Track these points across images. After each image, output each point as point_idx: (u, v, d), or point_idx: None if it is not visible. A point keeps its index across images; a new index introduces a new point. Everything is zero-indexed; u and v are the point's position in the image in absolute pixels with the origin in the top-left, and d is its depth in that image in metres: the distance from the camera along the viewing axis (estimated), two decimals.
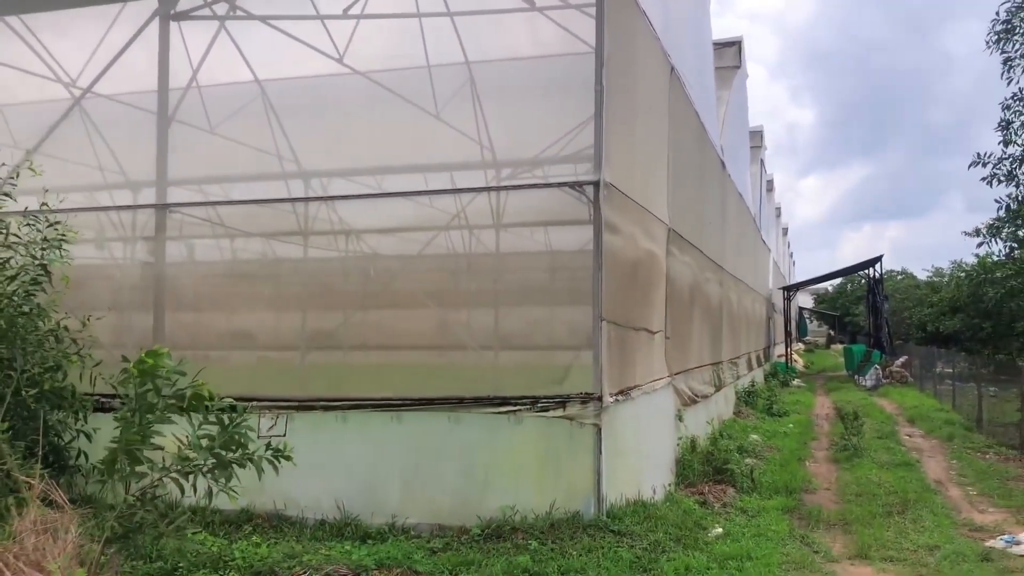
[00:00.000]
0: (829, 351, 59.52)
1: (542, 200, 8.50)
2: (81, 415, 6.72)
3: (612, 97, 6.88)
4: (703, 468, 9.05)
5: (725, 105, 16.38)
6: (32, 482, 5.60)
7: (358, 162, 10.98)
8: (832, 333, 74.86)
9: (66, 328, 6.39)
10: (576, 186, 6.77)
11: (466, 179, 11.63)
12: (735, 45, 18.94)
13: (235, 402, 5.15)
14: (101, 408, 7.24)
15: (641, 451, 7.79)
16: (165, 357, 5.04)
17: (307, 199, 9.09)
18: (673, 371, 9.45)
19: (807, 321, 67.70)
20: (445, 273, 8.25)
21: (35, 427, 6.37)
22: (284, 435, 6.95)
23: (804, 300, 71.68)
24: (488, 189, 8.17)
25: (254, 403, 6.29)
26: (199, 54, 9.05)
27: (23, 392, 5.93)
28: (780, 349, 34.29)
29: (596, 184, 6.61)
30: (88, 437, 6.81)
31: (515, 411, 6.69)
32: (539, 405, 6.63)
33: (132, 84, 9.12)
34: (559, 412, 6.60)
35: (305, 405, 7.15)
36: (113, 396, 7.32)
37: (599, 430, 6.54)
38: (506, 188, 8.14)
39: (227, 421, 5.01)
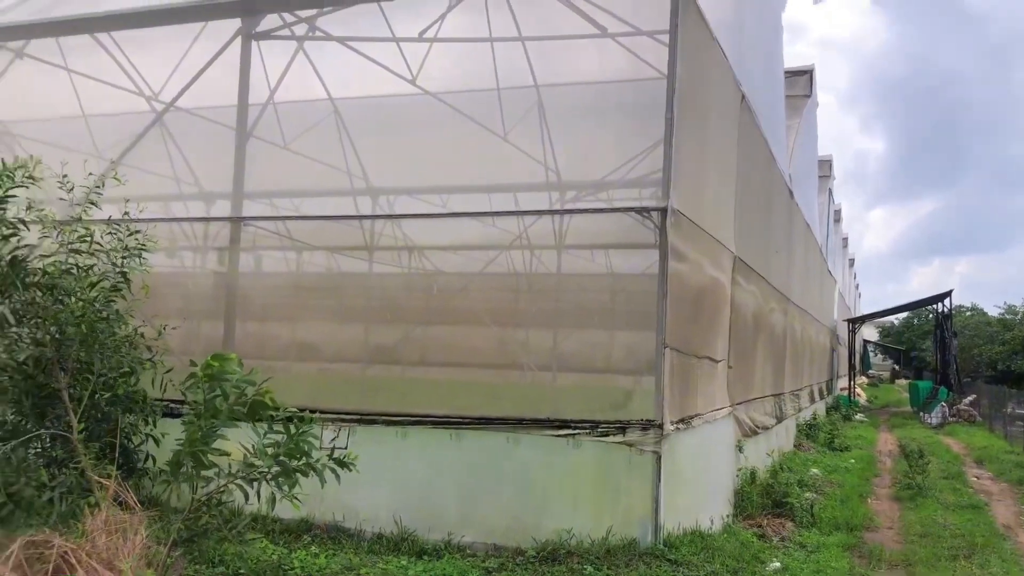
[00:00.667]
0: (893, 386, 57.98)
1: (606, 223, 8.54)
2: (151, 419, 6.89)
3: (682, 124, 6.87)
4: (762, 500, 8.90)
5: (795, 134, 16.19)
6: (105, 482, 5.79)
7: (425, 180, 11.14)
8: (897, 367, 73.04)
9: (141, 335, 6.59)
10: (643, 211, 6.76)
11: (530, 200, 11.73)
12: (807, 74, 18.74)
13: (300, 411, 5.27)
14: (169, 413, 7.43)
15: (700, 480, 7.70)
16: (233, 363, 5.17)
17: (375, 216, 9.26)
18: (735, 401, 9.33)
19: (871, 354, 66.17)
20: (507, 292, 8.31)
21: (108, 429, 6.58)
22: (346, 447, 7.01)
23: (869, 333, 70.09)
24: (555, 212, 8.22)
25: (317, 414, 6.38)
26: (275, 72, 9.31)
27: (98, 395, 6.13)
28: (843, 382, 33.56)
29: (663, 210, 6.60)
30: (156, 441, 6.97)
31: (574, 434, 6.69)
32: (599, 430, 6.61)
33: (209, 99, 9.41)
34: (619, 438, 6.58)
35: (366, 419, 7.24)
36: (181, 402, 7.52)
37: (659, 457, 6.49)
38: (572, 211, 8.18)
39: (292, 430, 5.11)
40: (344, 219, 9.05)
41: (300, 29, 8.88)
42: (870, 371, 61.10)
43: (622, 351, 7.38)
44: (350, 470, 5.13)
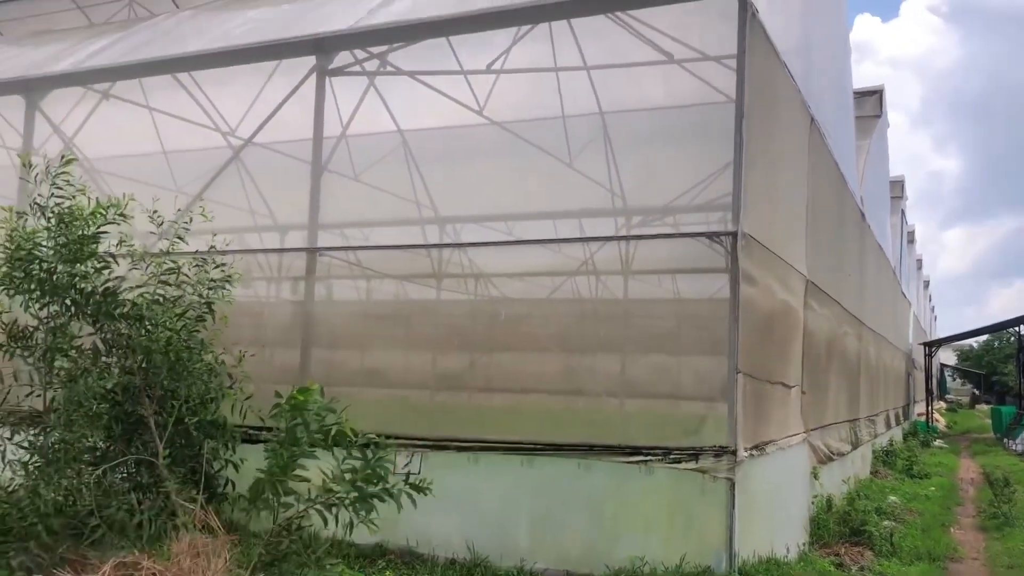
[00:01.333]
0: (974, 411, 56.01)
1: (674, 248, 8.53)
2: (231, 445, 7.10)
3: (751, 148, 6.86)
4: (839, 528, 8.71)
5: (865, 154, 15.93)
6: (190, 507, 5.99)
7: (491, 208, 11.31)
8: (976, 392, 70.60)
9: (223, 362, 6.82)
10: (713, 236, 6.75)
11: (596, 226, 11.80)
12: (876, 94, 18.46)
13: (376, 438, 5.38)
14: (248, 439, 7.64)
15: (774, 508, 7.59)
16: (315, 393, 5.33)
17: (443, 245, 9.42)
18: (809, 427, 9.18)
19: (948, 378, 64.06)
20: (574, 318, 8.33)
21: (191, 454, 6.81)
22: (419, 472, 7.14)
23: (946, 357, 67.95)
24: (623, 238, 8.25)
25: (390, 440, 6.49)
26: (345, 106, 9.55)
27: (185, 421, 6.35)
28: (920, 407, 32.59)
29: (734, 235, 6.58)
30: (236, 467, 7.18)
31: (646, 461, 6.66)
32: (671, 456, 6.58)
33: (283, 134, 9.69)
34: (691, 464, 6.53)
35: (438, 444, 7.33)
36: (260, 428, 7.74)
37: (732, 485, 6.42)
38: (640, 237, 8.22)
39: (369, 456, 5.22)
40: (413, 248, 9.21)
41: (371, 65, 9.11)
42: (948, 396, 59.15)
43: (694, 377, 7.33)
44: (425, 495, 5.22)
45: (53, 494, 5.85)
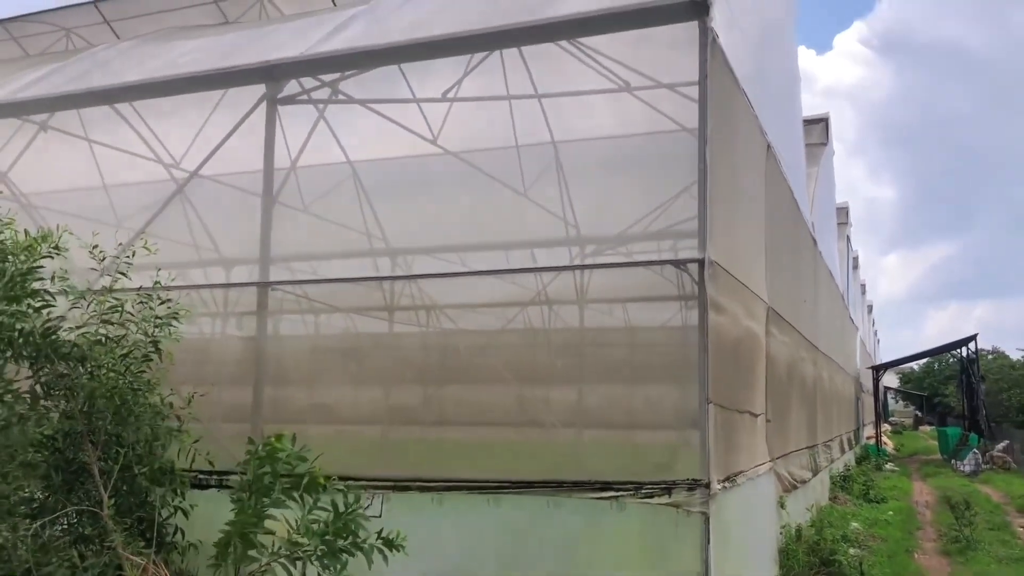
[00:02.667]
0: (918, 432, 57.13)
1: (628, 277, 8.44)
2: (180, 491, 6.72)
3: (713, 174, 6.76)
4: (808, 559, 8.59)
5: (814, 182, 16.13)
6: (139, 561, 5.60)
7: (444, 239, 11.10)
8: (919, 414, 72.08)
9: (170, 404, 6.46)
10: (679, 264, 6.62)
11: (550, 256, 11.67)
12: (822, 122, 18.77)
13: (345, 486, 5.10)
14: (198, 485, 7.26)
15: (746, 541, 7.43)
16: (287, 440, 5.03)
17: (397, 277, 9.22)
18: (774, 455, 9.08)
19: (891, 401, 65.27)
20: (535, 349, 8.14)
21: (137, 502, 6.41)
22: (380, 515, 6.82)
23: (888, 379, 69.29)
24: (588, 267, 8.10)
25: (350, 482, 6.18)
26: (293, 136, 9.27)
27: (133, 468, 5.97)
28: (867, 430, 32.98)
29: (701, 262, 6.44)
30: (185, 513, 6.80)
31: (617, 497, 6.44)
32: (643, 491, 6.37)
33: (229, 166, 9.38)
34: (664, 499, 6.32)
35: (400, 485, 7.02)
36: (210, 473, 7.37)
37: (707, 518, 6.23)
38: (607, 266, 8.07)
39: (340, 507, 4.93)
40: (366, 280, 8.98)
41: (322, 93, 8.88)
42: (892, 418, 60.19)
43: (664, 408, 7.16)
44: (397, 552, 4.92)
45: None
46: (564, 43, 8.57)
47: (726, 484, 6.71)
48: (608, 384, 7.53)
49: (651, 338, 7.52)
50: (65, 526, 6.04)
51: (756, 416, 8.26)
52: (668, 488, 6.33)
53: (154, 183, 11.72)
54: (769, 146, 9.42)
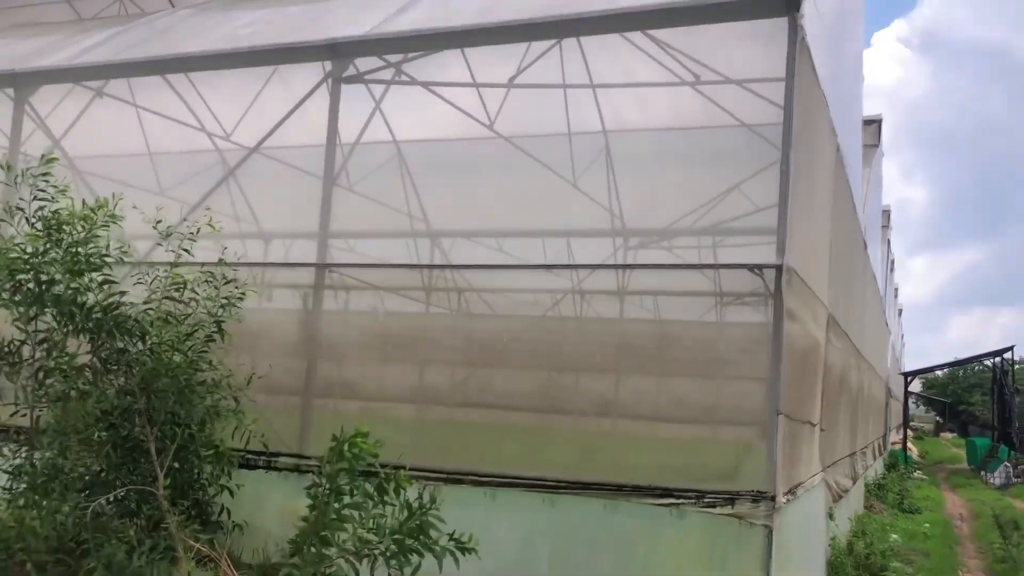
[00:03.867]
0: (939, 439, 56.57)
1: (674, 273, 8.27)
2: (227, 471, 6.64)
3: (792, 177, 6.54)
4: (857, 573, 8.41)
5: (866, 183, 15.82)
6: (193, 544, 5.51)
7: (487, 223, 10.97)
8: (940, 420, 71.35)
9: (228, 384, 6.36)
10: (755, 268, 6.41)
11: (594, 246, 11.51)
12: (875, 123, 18.40)
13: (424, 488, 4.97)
14: (245, 465, 7.17)
15: (802, 554, 7.26)
16: (365, 438, 4.89)
17: (466, 266, 9.09)
18: (825, 464, 8.88)
19: (912, 406, 64.59)
20: (601, 341, 7.94)
21: (187, 480, 6.33)
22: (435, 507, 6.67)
23: (912, 384, 68.51)
24: (661, 267, 7.90)
25: (403, 472, 6.05)
26: (346, 116, 9.09)
27: (188, 447, 5.88)
28: (891, 436, 32.65)
29: (778, 268, 6.23)
30: (231, 493, 6.73)
31: (678, 504, 6.28)
32: (705, 500, 6.21)
33: (275, 140, 9.24)
34: (727, 509, 6.16)
35: (453, 478, 6.89)
36: (259, 454, 7.28)
37: (770, 532, 6.05)
38: (678, 267, 7.86)
39: (415, 506, 4.79)
40: (431, 268, 8.83)
41: (385, 74, 8.71)
42: (911, 423, 59.64)
43: (731, 417, 6.97)
44: (469, 555, 4.77)
45: (43, 526, 5.35)
46: (625, 34, 8.36)
47: (789, 496, 6.53)
48: (677, 388, 7.34)
49: (724, 342, 7.32)
50: (116, 502, 5.97)
51: (815, 426, 8.07)
52: (731, 499, 6.16)
53: (197, 153, 11.66)
54: (838, 147, 9.17)
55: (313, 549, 4.66)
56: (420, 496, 4.76)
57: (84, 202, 5.99)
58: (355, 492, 4.68)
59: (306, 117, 8.68)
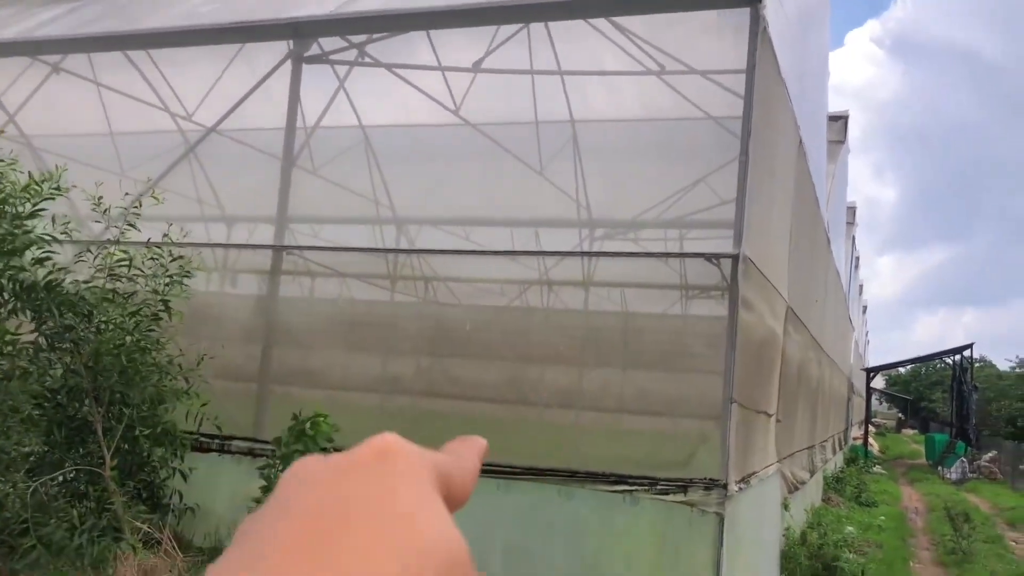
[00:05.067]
0: (900, 435, 57.36)
1: (635, 264, 8.30)
2: (180, 454, 6.55)
3: (752, 167, 6.55)
4: (810, 563, 8.48)
5: (831, 179, 15.94)
6: (139, 525, 5.42)
7: (454, 212, 10.91)
8: (902, 417, 72.36)
9: (179, 365, 6.25)
10: (712, 258, 6.42)
11: (558, 236, 11.48)
12: (842, 119, 18.54)
13: None
14: (198, 448, 7.07)
15: (755, 543, 7.30)
16: (326, 422, 4.83)
17: (435, 251, 9.01)
18: (781, 456, 8.94)
19: (875, 402, 65.42)
20: (559, 332, 7.94)
21: (137, 463, 6.23)
22: None
23: (875, 381, 69.38)
24: (626, 255, 7.89)
25: None
26: (306, 97, 9.00)
27: (136, 428, 5.78)
28: (853, 431, 33.04)
29: (735, 257, 6.24)
30: (184, 477, 6.63)
31: (631, 491, 6.29)
32: (658, 487, 6.22)
33: (237, 122, 9.12)
34: (679, 497, 6.17)
35: None
36: (212, 436, 7.18)
37: (722, 520, 6.08)
38: (638, 255, 7.86)
39: None
40: (394, 252, 8.75)
41: (348, 55, 8.61)
42: (874, 419, 60.44)
43: (685, 405, 6.99)
44: None
45: None
46: (595, 20, 8.33)
47: (741, 485, 6.56)
48: (635, 376, 7.35)
49: (688, 336, 7.33)
50: (62, 482, 5.86)
51: (770, 416, 8.11)
52: (684, 486, 6.18)
53: (159, 133, 11.43)
54: (800, 141, 9.21)
55: None
56: None
57: (30, 174, 5.84)
58: None
59: (271, 98, 8.56)
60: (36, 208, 5.65)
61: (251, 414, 7.76)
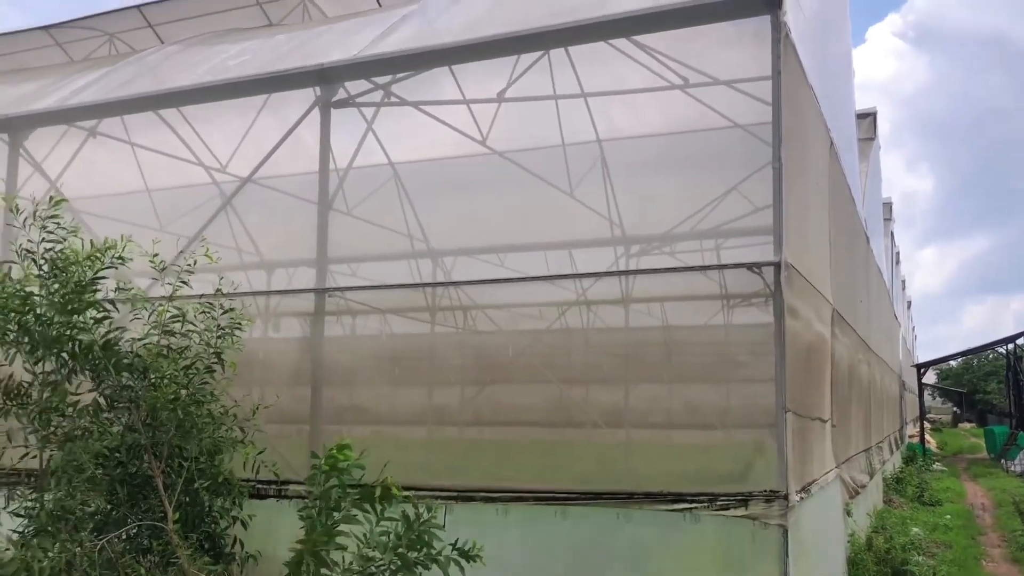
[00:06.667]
0: (958, 430, 56.12)
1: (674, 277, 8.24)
2: (238, 502, 6.61)
3: (786, 173, 6.52)
4: (878, 569, 8.32)
5: (865, 177, 15.79)
6: None
7: (488, 240, 10.97)
8: (957, 411, 70.89)
9: (233, 415, 6.34)
10: (753, 267, 6.38)
11: (593, 255, 11.47)
12: (870, 116, 18.39)
13: (417, 496, 4.95)
14: (256, 495, 7.15)
15: (820, 552, 7.19)
16: (350, 449, 4.88)
17: (470, 283, 9.05)
18: (839, 461, 8.81)
19: (928, 397, 64.25)
20: (605, 350, 7.93)
21: (197, 513, 6.31)
22: (443, 527, 6.64)
23: (926, 376, 68.13)
24: (662, 271, 7.89)
25: (413, 492, 6.02)
26: (336, 140, 9.11)
27: (196, 482, 5.86)
28: (908, 428, 32.44)
29: (776, 265, 6.20)
30: (244, 525, 6.70)
31: (691, 508, 6.23)
32: (718, 503, 6.15)
33: (269, 169, 9.26)
34: (741, 511, 6.10)
35: (464, 495, 6.85)
36: (270, 483, 7.26)
37: (785, 531, 6.00)
38: (677, 269, 7.83)
39: (412, 517, 4.78)
40: (431, 286, 8.83)
41: (375, 96, 8.74)
42: (928, 415, 59.31)
43: (740, 417, 6.93)
44: (474, 563, 4.75)
45: (51, 567, 5.33)
46: (615, 40, 8.36)
47: (802, 494, 6.47)
48: (685, 391, 7.31)
49: (731, 345, 7.29)
50: (126, 539, 5.95)
51: (825, 422, 8.01)
52: (744, 500, 6.11)
53: (193, 187, 11.69)
54: (832, 143, 9.15)
55: (311, 570, 4.63)
56: (416, 508, 4.75)
57: (92, 243, 6.00)
58: (343, 505, 4.66)
59: (301, 144, 8.71)
60: (96, 275, 5.81)
61: (305, 456, 7.83)
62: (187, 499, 6.18)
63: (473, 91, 9.67)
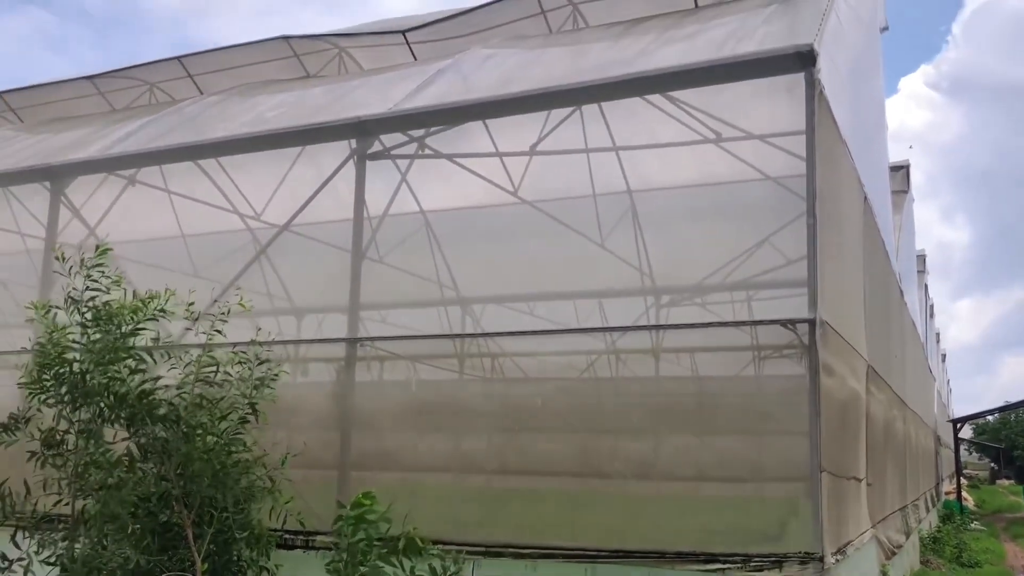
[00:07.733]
0: (995, 487, 54.75)
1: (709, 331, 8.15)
2: (267, 551, 6.58)
3: (819, 231, 6.49)
4: None
5: (898, 231, 15.69)
6: None
7: (517, 288, 10.99)
8: (995, 467, 69.28)
9: (263, 464, 6.34)
10: (788, 324, 6.33)
11: (623, 305, 11.42)
12: (903, 169, 18.34)
13: (445, 551, 4.92)
14: (283, 545, 7.11)
15: None
16: (375, 500, 4.87)
17: (499, 334, 9.07)
18: (875, 521, 8.62)
19: (964, 453, 62.89)
20: (636, 403, 7.83)
21: (225, 562, 6.28)
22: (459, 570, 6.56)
23: (962, 431, 66.76)
24: (698, 325, 7.85)
25: (440, 546, 5.95)
26: (370, 189, 9.21)
27: (226, 531, 5.85)
28: (943, 485, 31.70)
29: (811, 322, 6.15)
30: (271, 574, 6.65)
31: (723, 569, 6.11)
32: (752, 564, 6.03)
33: (303, 217, 9.37)
34: (774, 573, 5.98)
35: (493, 551, 6.78)
36: (297, 532, 7.22)
37: None
38: (712, 324, 7.79)
39: (439, 571, 4.74)
40: (463, 337, 8.84)
41: (408, 148, 8.86)
42: (965, 471, 57.99)
43: (773, 471, 6.82)
44: None
45: None
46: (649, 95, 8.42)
47: (838, 556, 6.33)
48: (716, 442, 7.20)
49: (763, 396, 7.19)
50: None
51: (860, 480, 7.86)
52: (779, 561, 5.99)
53: (227, 233, 11.85)
54: (866, 198, 9.12)
55: None
56: (443, 560, 4.71)
57: (135, 293, 6.08)
58: (369, 559, 4.64)
59: (335, 193, 8.83)
60: (137, 325, 5.87)
61: (332, 505, 7.79)
62: (215, 549, 6.16)
63: (506, 143, 9.77)
